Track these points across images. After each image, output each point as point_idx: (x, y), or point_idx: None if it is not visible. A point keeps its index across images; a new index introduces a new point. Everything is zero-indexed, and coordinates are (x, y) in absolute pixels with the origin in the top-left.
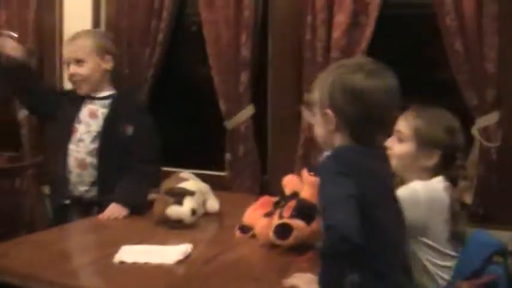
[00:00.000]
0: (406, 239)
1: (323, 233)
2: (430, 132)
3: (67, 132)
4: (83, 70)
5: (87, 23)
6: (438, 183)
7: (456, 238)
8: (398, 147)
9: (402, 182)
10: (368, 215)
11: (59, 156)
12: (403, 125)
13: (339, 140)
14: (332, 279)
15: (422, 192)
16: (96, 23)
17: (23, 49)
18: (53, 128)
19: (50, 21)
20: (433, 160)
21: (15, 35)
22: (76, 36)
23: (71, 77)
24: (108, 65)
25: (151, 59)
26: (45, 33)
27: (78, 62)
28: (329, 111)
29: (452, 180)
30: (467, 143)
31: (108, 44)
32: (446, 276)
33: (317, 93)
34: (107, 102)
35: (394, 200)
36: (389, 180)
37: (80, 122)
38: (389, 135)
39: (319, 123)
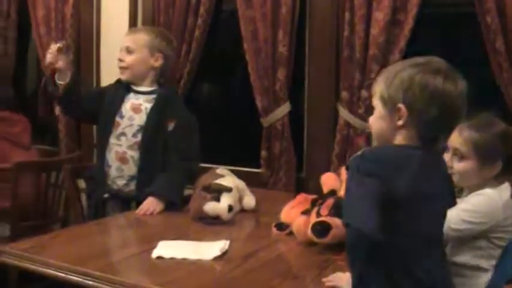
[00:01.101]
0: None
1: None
2: (488, 145)
3: (109, 126)
4: (129, 59)
5: (124, 19)
6: (506, 189)
7: None
8: (460, 165)
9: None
10: (397, 214)
11: (99, 151)
12: (459, 141)
13: (401, 137)
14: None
15: (498, 197)
16: (133, 19)
17: (68, 59)
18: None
19: (87, 17)
20: (496, 170)
21: (61, 45)
22: (137, 29)
23: (119, 61)
24: (157, 62)
25: (187, 56)
26: (82, 29)
27: (128, 50)
28: (402, 107)
29: None
30: None
31: (162, 44)
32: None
33: (383, 86)
34: (151, 97)
35: (440, 204)
36: (439, 184)
37: (122, 116)
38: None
39: (381, 117)
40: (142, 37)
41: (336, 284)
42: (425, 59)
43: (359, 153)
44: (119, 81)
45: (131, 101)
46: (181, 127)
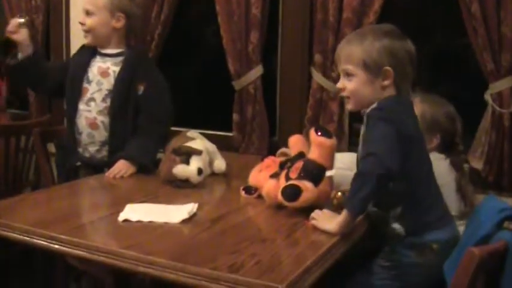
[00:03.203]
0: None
1: (360, 162)
2: (433, 116)
3: (76, 92)
4: (89, 22)
5: None
6: (443, 159)
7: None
8: None
9: None
10: (409, 154)
11: (68, 118)
12: None
13: (387, 93)
14: (361, 199)
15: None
16: None
17: (29, 36)
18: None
19: None
20: (434, 143)
21: (23, 20)
22: None
23: (81, 25)
24: (119, 23)
25: (159, 18)
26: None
27: (88, 13)
28: (390, 69)
29: (455, 166)
30: (479, 109)
31: (123, 2)
32: None
33: (363, 54)
34: (119, 59)
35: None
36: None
37: (90, 81)
38: None
39: (365, 82)
40: None
41: (317, 224)
42: (385, 27)
43: (376, 105)
44: (84, 46)
45: (98, 64)
46: (152, 90)
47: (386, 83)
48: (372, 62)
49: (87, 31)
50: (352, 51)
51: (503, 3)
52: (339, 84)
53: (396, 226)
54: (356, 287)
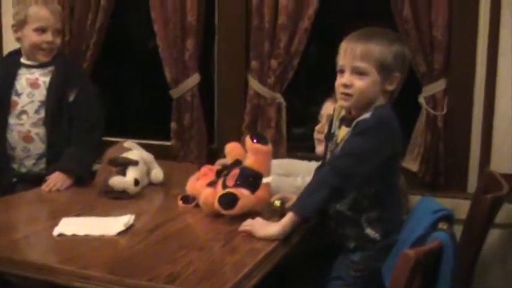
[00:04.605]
0: None
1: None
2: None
3: (5, 106)
4: (59, 40)
5: None
6: None
7: None
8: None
9: None
10: (388, 166)
11: None
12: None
13: (383, 98)
14: (314, 203)
15: None
16: None
17: None
18: None
19: None
20: None
21: None
22: (52, 0)
23: (48, 43)
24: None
25: (93, 26)
26: None
27: (58, 31)
28: (399, 75)
29: None
30: (413, 112)
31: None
32: None
33: (382, 55)
34: (47, 69)
35: None
36: None
37: (19, 94)
38: None
39: (375, 83)
40: (60, 10)
41: (250, 230)
42: (393, 33)
43: (375, 114)
44: (7, 56)
45: (25, 76)
46: (83, 96)
47: (390, 88)
48: (387, 65)
49: (54, 49)
50: (370, 50)
51: (434, 7)
52: (345, 80)
53: (369, 231)
54: None
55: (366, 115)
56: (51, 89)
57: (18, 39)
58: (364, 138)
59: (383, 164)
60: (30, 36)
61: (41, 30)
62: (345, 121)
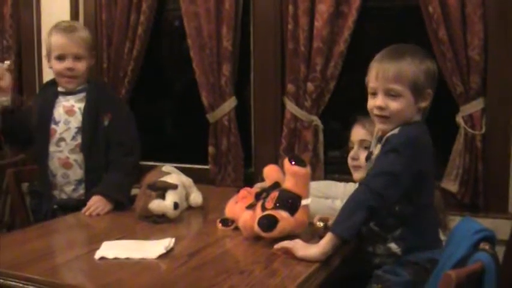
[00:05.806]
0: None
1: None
2: None
3: (44, 136)
4: (81, 66)
5: (65, 18)
6: None
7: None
8: None
9: None
10: (418, 185)
11: (40, 163)
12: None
13: (418, 116)
14: (352, 225)
15: None
16: (74, 17)
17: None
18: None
19: (27, 17)
20: None
21: (8, 63)
22: (72, 28)
23: (68, 70)
24: (93, 60)
25: (131, 53)
26: (23, 29)
27: (78, 57)
28: (431, 92)
29: None
30: (451, 133)
31: (93, 37)
32: None
33: (414, 75)
34: (81, 96)
35: None
36: None
37: (57, 123)
38: None
39: (410, 104)
40: (85, 36)
41: (291, 247)
42: (421, 50)
43: (404, 131)
44: (44, 85)
45: (62, 103)
46: (117, 120)
47: (423, 105)
48: (420, 84)
49: (78, 76)
50: (402, 71)
51: (469, 27)
52: (380, 102)
53: (392, 246)
54: None
55: (395, 130)
56: (86, 114)
57: (51, 68)
58: (394, 155)
59: (410, 181)
60: (54, 64)
61: (61, 57)
62: (378, 138)
